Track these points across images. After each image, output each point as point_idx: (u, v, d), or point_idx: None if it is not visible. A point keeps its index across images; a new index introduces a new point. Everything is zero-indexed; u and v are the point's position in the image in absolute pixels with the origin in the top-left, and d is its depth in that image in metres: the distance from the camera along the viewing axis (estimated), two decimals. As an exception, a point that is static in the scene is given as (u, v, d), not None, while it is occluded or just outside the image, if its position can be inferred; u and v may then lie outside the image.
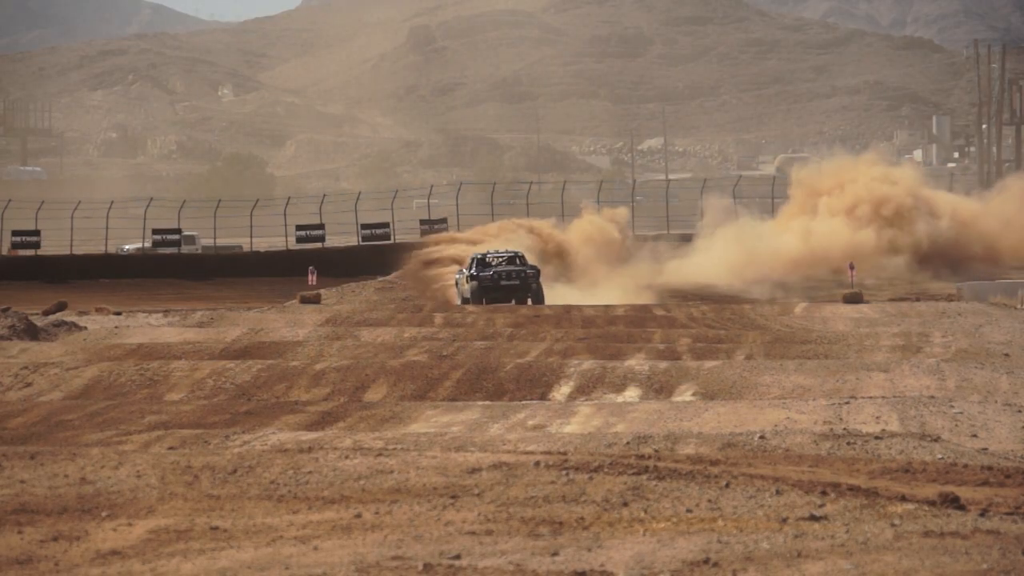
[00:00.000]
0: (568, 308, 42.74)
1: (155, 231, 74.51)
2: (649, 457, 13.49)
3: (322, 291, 54.09)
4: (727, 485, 11.64)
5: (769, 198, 78.07)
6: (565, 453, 13.76)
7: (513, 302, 47.76)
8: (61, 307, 46.72)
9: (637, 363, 26.04)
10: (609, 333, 34.45)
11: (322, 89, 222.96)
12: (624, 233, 67.19)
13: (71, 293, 57.02)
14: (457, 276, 51.65)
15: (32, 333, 36.17)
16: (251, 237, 75.66)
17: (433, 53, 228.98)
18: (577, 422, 19.88)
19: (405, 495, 11.53)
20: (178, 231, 74.69)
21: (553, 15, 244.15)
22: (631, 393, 23.56)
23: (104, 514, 11.06)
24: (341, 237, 79.46)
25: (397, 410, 21.29)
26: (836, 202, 66.80)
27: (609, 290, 54.81)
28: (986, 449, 17.28)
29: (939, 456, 15.47)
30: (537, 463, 12.37)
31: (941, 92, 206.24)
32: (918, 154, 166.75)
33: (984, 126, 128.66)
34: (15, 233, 72.94)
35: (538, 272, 49.57)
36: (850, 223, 65.24)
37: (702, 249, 65.41)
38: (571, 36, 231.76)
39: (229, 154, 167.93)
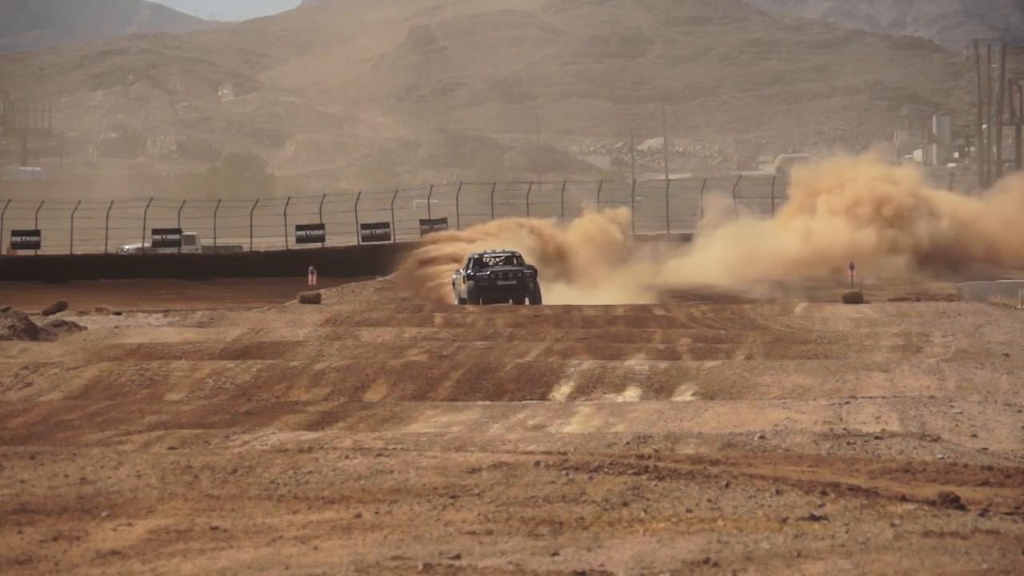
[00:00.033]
0: (568, 308, 42.73)
1: (155, 231, 74.50)
2: (649, 457, 13.49)
3: (322, 291, 54.09)
4: (727, 485, 11.64)
5: (769, 198, 78.07)
6: (565, 453, 13.76)
7: (511, 302, 47.70)
8: (61, 307, 46.72)
9: (637, 363, 26.04)
10: (609, 333, 34.45)
11: (322, 89, 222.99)
12: (625, 233, 67.22)
13: (71, 293, 57.01)
14: (454, 276, 51.57)
15: (32, 333, 36.17)
16: (251, 237, 75.66)
17: (433, 53, 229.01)
18: (577, 422, 19.88)
19: (405, 495, 11.53)
20: (178, 231, 74.69)
21: (553, 15, 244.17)
22: (631, 393, 23.56)
23: (104, 514, 11.06)
24: (341, 237, 79.46)
25: (397, 410, 21.29)
26: (836, 201, 66.79)
27: (609, 290, 54.80)
28: (986, 449, 17.28)
29: (939, 456, 15.47)
30: (537, 463, 12.38)
31: (941, 92, 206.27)
32: (918, 154, 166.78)
33: (984, 126, 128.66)
34: (15, 233, 72.93)
35: (535, 272, 49.48)
36: (850, 223, 65.25)
37: (702, 249, 65.43)
38: (571, 36, 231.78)
39: (229, 154, 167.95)
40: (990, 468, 13.59)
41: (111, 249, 75.88)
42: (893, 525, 10.28)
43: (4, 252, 73.09)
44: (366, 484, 11.96)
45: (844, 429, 17.88)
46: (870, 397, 21.47)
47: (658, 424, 19.34)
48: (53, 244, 73.42)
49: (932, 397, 21.32)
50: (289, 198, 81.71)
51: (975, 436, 18.52)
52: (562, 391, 23.96)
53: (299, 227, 73.12)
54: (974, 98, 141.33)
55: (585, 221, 66.46)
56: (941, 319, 37.33)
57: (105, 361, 28.36)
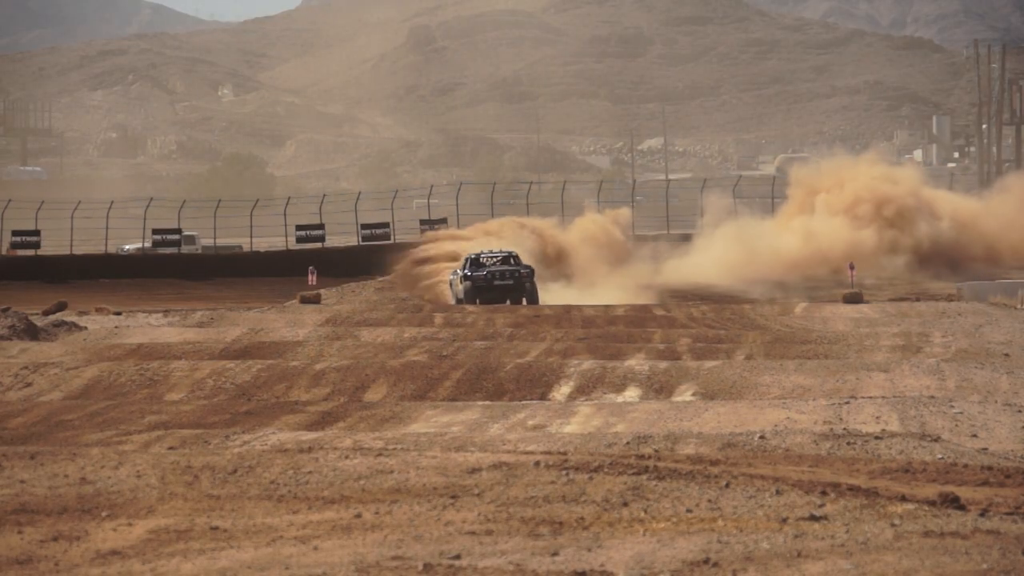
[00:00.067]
0: (568, 308, 42.73)
1: (155, 231, 74.50)
2: (649, 457, 13.49)
3: (322, 291, 54.09)
4: (727, 485, 11.64)
5: (769, 198, 78.06)
6: (565, 453, 13.76)
7: (508, 302, 47.61)
8: (61, 307, 46.72)
9: (637, 363, 26.04)
10: (609, 333, 34.45)
11: (322, 89, 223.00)
12: (625, 233, 67.23)
13: (71, 293, 57.01)
14: (451, 276, 51.51)
15: (32, 333, 36.17)
16: (251, 237, 75.65)
17: (433, 53, 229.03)
18: (577, 422, 19.88)
19: (405, 495, 11.53)
20: (178, 231, 74.69)
21: (553, 15, 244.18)
22: (631, 393, 23.56)
23: (104, 514, 11.06)
24: (341, 237, 79.46)
25: (397, 410, 21.29)
26: (835, 200, 66.78)
27: (609, 290, 54.78)
28: (986, 449, 17.28)
29: (939, 456, 15.47)
30: (537, 463, 12.38)
31: (941, 92, 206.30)
32: (918, 154, 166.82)
33: (984, 126, 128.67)
34: (15, 233, 72.93)
35: (532, 272, 49.39)
36: (851, 223, 65.24)
37: (702, 248, 65.44)
38: (571, 36, 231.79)
39: (229, 154, 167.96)
40: (990, 468, 13.59)
41: (111, 249, 75.87)
42: (893, 525, 10.28)
43: (4, 252, 73.10)
44: (366, 484, 11.96)
45: (844, 429, 17.88)
46: (870, 397, 21.47)
47: (658, 424, 19.34)
48: (53, 244, 73.41)
49: (932, 397, 21.32)
50: (289, 198, 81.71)
51: (975, 436, 18.52)
52: (562, 391, 23.96)
53: (299, 227, 73.12)
54: (974, 98, 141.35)
55: (586, 221, 66.46)
56: (941, 319, 37.33)
57: (105, 361, 28.36)
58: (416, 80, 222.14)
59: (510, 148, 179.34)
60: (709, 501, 11.21)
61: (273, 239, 76.73)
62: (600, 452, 14.79)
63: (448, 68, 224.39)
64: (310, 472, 12.36)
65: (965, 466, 13.73)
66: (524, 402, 22.64)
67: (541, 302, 48.09)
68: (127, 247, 77.76)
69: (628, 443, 16.91)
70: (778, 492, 11.43)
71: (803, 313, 40.90)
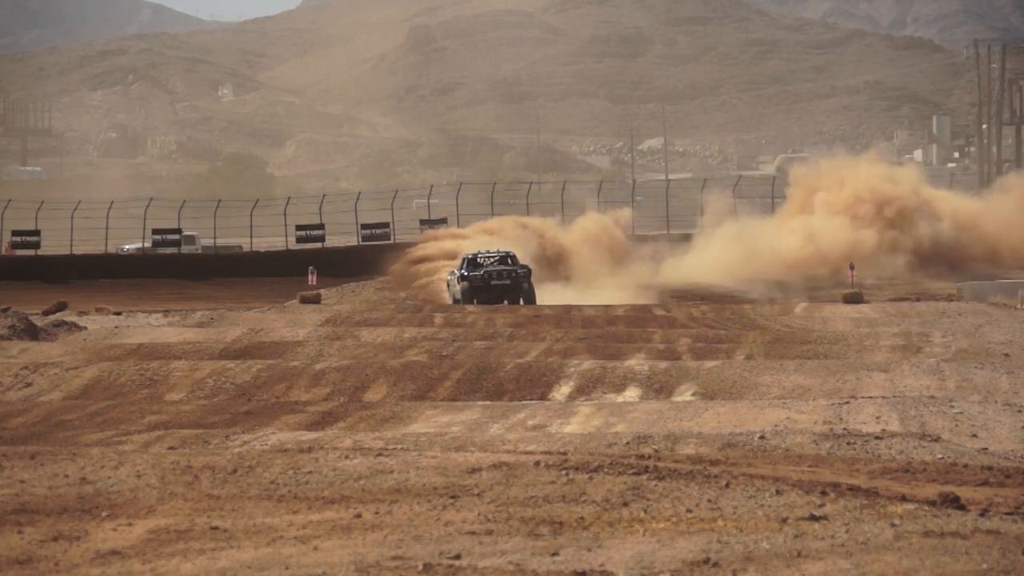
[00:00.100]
0: (568, 308, 42.73)
1: (155, 231, 74.49)
2: (649, 457, 13.49)
3: (322, 291, 54.09)
4: (727, 485, 11.64)
5: (769, 198, 78.05)
6: (565, 453, 13.76)
7: (505, 302, 47.53)
8: (61, 307, 46.71)
9: (637, 363, 26.04)
10: (609, 333, 34.45)
11: (322, 89, 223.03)
12: (626, 234, 67.24)
13: (71, 293, 57.01)
14: (449, 277, 51.47)
15: (32, 333, 36.17)
16: (251, 237, 75.65)
17: (433, 53, 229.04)
18: (577, 422, 19.88)
19: (405, 495, 11.53)
20: (178, 231, 74.68)
21: (553, 15, 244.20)
22: (631, 393, 23.56)
23: (104, 514, 11.06)
24: (341, 237, 79.45)
25: (397, 410, 21.29)
26: (835, 199, 66.75)
27: (608, 290, 54.77)
28: (986, 449, 17.28)
29: (939, 456, 15.47)
30: (537, 463, 12.38)
31: (941, 92, 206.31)
32: (918, 154, 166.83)
33: (984, 126, 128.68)
34: (15, 233, 72.92)
35: (529, 272, 49.32)
36: (851, 223, 65.23)
37: (701, 248, 65.44)
38: (571, 36, 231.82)
39: (229, 154, 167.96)
40: (990, 468, 13.59)
41: (111, 249, 75.86)
42: (893, 525, 10.28)
43: (3, 252, 73.11)
44: (366, 484, 11.96)
45: (844, 429, 17.88)
46: (870, 397, 21.47)
47: (658, 424, 19.34)
48: (53, 244, 73.41)
49: (932, 397, 21.32)
50: (289, 198, 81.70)
51: (975, 436, 18.52)
52: (562, 391, 23.95)
53: (299, 227, 73.11)
54: (974, 98, 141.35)
55: (588, 220, 66.44)
56: (941, 319, 37.33)
57: (105, 361, 28.36)
58: (416, 80, 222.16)
59: (510, 148, 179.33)
60: (709, 501, 11.21)
61: (273, 239, 76.72)
62: (600, 452, 14.79)
63: (448, 68, 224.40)
64: (310, 472, 12.36)
65: (965, 466, 13.74)
66: (524, 402, 22.64)
67: (541, 302, 48.03)
68: (127, 247, 77.75)
69: (628, 443, 16.91)
70: (778, 492, 11.43)
71: (803, 313, 40.90)
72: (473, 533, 10.22)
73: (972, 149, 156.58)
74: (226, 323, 39.41)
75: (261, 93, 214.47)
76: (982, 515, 10.80)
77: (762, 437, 16.76)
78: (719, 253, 62.96)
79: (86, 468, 12.53)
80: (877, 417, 19.43)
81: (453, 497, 11.38)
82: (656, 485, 11.61)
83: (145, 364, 27.05)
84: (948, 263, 64.52)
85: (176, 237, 74.13)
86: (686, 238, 68.72)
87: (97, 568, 9.58)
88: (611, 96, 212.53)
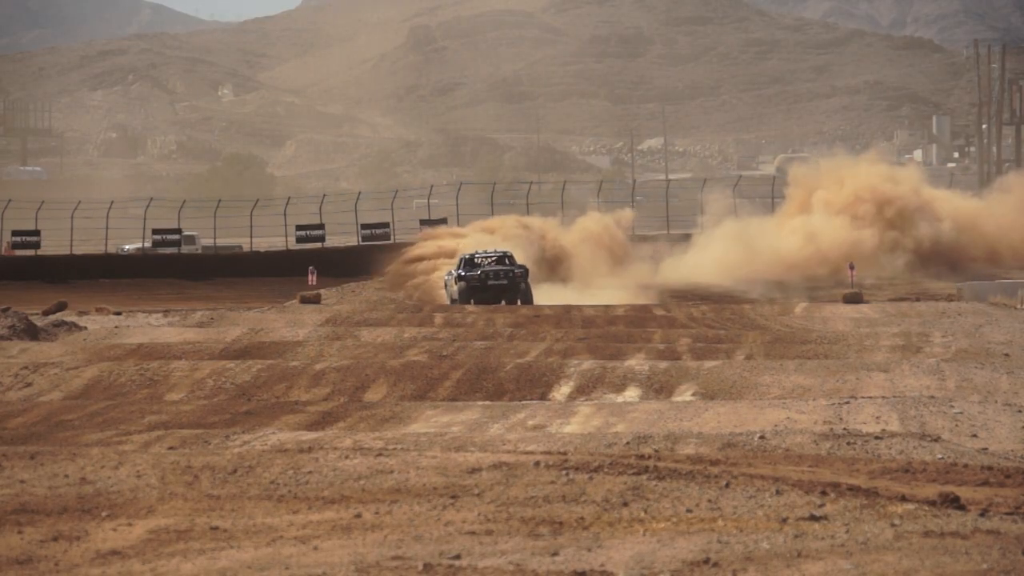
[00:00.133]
0: (568, 308, 42.73)
1: (155, 231, 74.49)
2: (649, 457, 13.49)
3: (322, 291, 54.09)
4: (727, 485, 11.64)
5: (769, 198, 78.05)
6: (565, 453, 13.76)
7: (503, 302, 47.47)
8: (61, 307, 46.72)
9: (637, 363, 26.04)
10: (609, 333, 34.45)
11: (322, 89, 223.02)
12: (626, 234, 67.24)
13: (71, 293, 57.01)
14: (446, 277, 51.45)
15: (32, 333, 36.17)
16: (251, 237, 75.65)
17: (433, 53, 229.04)
18: (577, 422, 19.88)
19: (405, 495, 11.53)
20: (178, 231, 74.69)
21: (553, 15, 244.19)
22: (631, 393, 23.56)
23: (104, 514, 11.06)
24: (341, 237, 79.45)
25: (397, 410, 21.29)
26: (834, 198, 66.74)
27: (608, 290, 54.77)
28: (986, 449, 17.28)
29: (939, 456, 15.47)
30: (537, 463, 12.38)
31: (941, 92, 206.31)
32: (918, 154, 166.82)
33: (984, 126, 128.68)
34: (15, 233, 72.93)
35: (526, 272, 49.29)
36: (851, 223, 65.23)
37: (701, 247, 65.44)
38: (571, 36, 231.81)
39: (229, 154, 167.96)
40: (990, 468, 13.60)
41: (111, 249, 75.86)
42: (893, 525, 10.28)
43: (3, 252, 73.11)
44: (366, 484, 11.96)
45: (844, 429, 17.88)
46: (870, 397, 21.47)
47: (658, 424, 19.34)
48: (53, 244, 73.41)
49: (932, 397, 21.32)
50: (289, 198, 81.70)
51: (975, 436, 18.52)
52: (562, 391, 23.95)
53: (299, 227, 73.12)
54: (974, 98, 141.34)
55: (589, 220, 66.42)
56: (941, 319, 37.33)
57: (105, 361, 28.37)
58: (416, 80, 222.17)
59: (510, 148, 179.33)
60: (709, 501, 11.21)
61: (273, 239, 76.73)
62: (600, 452, 14.79)
63: (448, 68, 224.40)
64: (310, 472, 12.36)
65: (965, 466, 13.74)
66: (524, 402, 22.64)
67: (541, 302, 48.02)
68: (127, 247, 77.75)
69: (628, 443, 16.91)
70: (778, 492, 11.43)
71: (803, 313, 40.90)
72: (473, 533, 10.22)
73: (972, 149, 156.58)
74: (226, 323, 39.41)
75: (261, 93, 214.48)
76: (982, 515, 10.80)
77: (762, 437, 16.76)
78: (719, 253, 62.96)
79: (86, 468, 12.53)
80: (877, 417, 19.44)
81: (453, 497, 11.38)
82: (656, 485, 11.61)
83: (145, 364, 27.05)
84: (948, 263, 64.53)
85: (176, 237, 74.13)
86: (686, 238, 68.73)
87: (97, 568, 9.58)
88: (611, 96, 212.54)
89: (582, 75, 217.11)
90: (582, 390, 23.88)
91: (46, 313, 44.26)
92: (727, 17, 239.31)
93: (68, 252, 71.97)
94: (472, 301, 47.32)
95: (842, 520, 10.53)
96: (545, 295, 51.00)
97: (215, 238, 77.28)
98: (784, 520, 10.57)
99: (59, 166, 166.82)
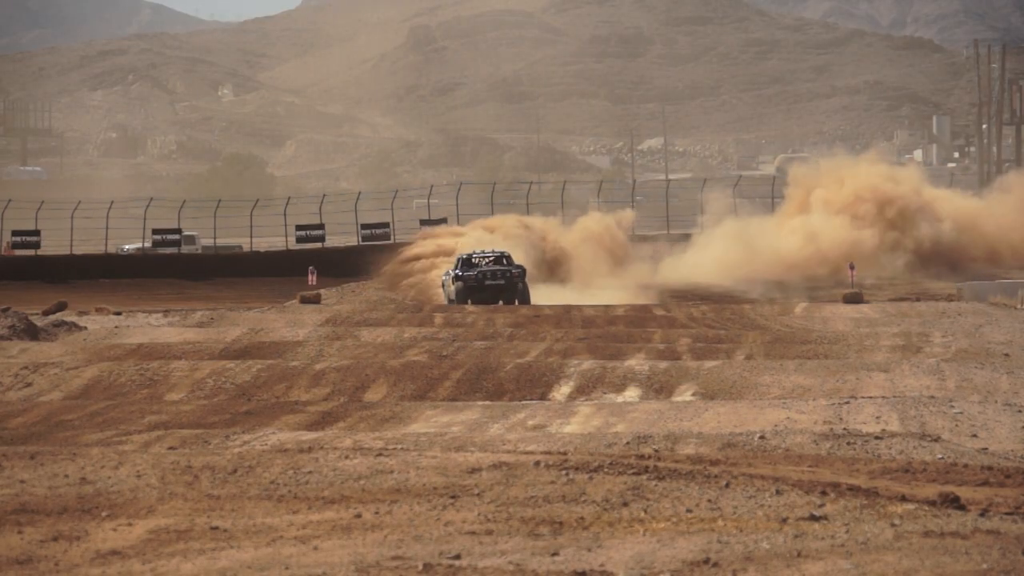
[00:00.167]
0: (568, 308, 42.73)
1: (155, 231, 74.50)
2: (649, 457, 13.49)
3: (322, 291, 54.09)
4: (727, 485, 11.64)
5: (769, 198, 78.04)
6: (565, 453, 13.76)
7: (500, 303, 47.40)
8: (61, 307, 46.72)
9: (637, 363, 26.04)
10: (609, 333, 34.45)
11: (322, 89, 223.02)
12: (627, 234, 67.24)
13: (71, 293, 57.01)
14: (444, 277, 51.41)
15: (32, 333, 36.17)
16: (251, 237, 75.66)
17: (433, 53, 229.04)
18: (577, 422, 19.88)
19: (405, 495, 11.53)
20: (178, 231, 74.69)
21: (553, 15, 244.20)
22: (631, 393, 23.56)
23: (104, 514, 11.06)
24: (341, 237, 79.44)
25: (397, 410, 21.29)
26: (834, 197, 66.72)
27: (608, 290, 54.76)
28: (986, 449, 17.28)
29: (939, 456, 15.47)
30: (537, 463, 12.38)
31: (941, 92, 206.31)
32: (918, 154, 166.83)
33: (984, 126, 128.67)
34: (15, 233, 72.94)
35: (524, 272, 49.23)
36: (852, 223, 65.23)
37: (701, 246, 65.44)
38: (571, 36, 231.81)
39: (229, 154, 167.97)
40: (990, 468, 13.59)
41: (111, 249, 75.87)
42: (893, 525, 10.28)
43: (3, 252, 73.12)
44: (366, 484, 11.96)
45: (844, 429, 17.88)
46: (870, 397, 21.47)
47: (658, 424, 19.34)
48: (53, 244, 73.41)
49: (932, 397, 21.32)
50: (289, 198, 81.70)
51: (975, 436, 18.52)
52: (562, 391, 23.95)
53: (299, 227, 73.12)
54: (974, 98, 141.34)
55: (590, 220, 66.41)
56: (941, 319, 37.33)
57: (105, 361, 28.37)
58: (416, 80, 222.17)
59: (510, 148, 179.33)
60: (709, 501, 11.21)
61: (273, 239, 76.73)
62: (600, 452, 14.80)
63: (448, 68, 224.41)
64: (310, 472, 12.36)
65: (965, 466, 13.74)
66: (524, 402, 22.64)
67: (541, 302, 48.00)
68: (127, 247, 77.75)
69: (628, 443, 16.91)
70: (778, 492, 11.43)
71: (803, 313, 40.90)
72: (473, 533, 10.22)
73: (972, 149, 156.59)
74: (226, 323, 39.41)
75: (261, 93, 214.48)
76: (982, 515, 10.80)
77: (762, 437, 16.76)
78: (719, 253, 62.97)
79: (86, 468, 12.53)
80: (877, 417, 19.44)
81: (453, 497, 11.38)
82: (656, 485, 11.61)
83: (145, 364, 27.05)
84: (948, 263, 64.53)
85: (176, 237, 74.14)
86: (686, 238, 68.72)
87: (97, 568, 9.58)
88: (611, 96, 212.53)
89: (582, 75, 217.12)
90: (582, 390, 23.88)
91: (46, 313, 44.26)
92: (727, 17, 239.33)
93: (68, 252, 71.97)
94: (469, 301, 47.28)
95: (842, 520, 10.53)
96: (545, 295, 50.99)
97: (215, 238, 77.28)
98: (784, 520, 10.57)
99: (59, 166, 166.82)
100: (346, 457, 12.93)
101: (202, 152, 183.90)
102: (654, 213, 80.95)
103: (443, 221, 74.01)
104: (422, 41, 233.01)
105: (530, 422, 20.00)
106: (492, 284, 48.29)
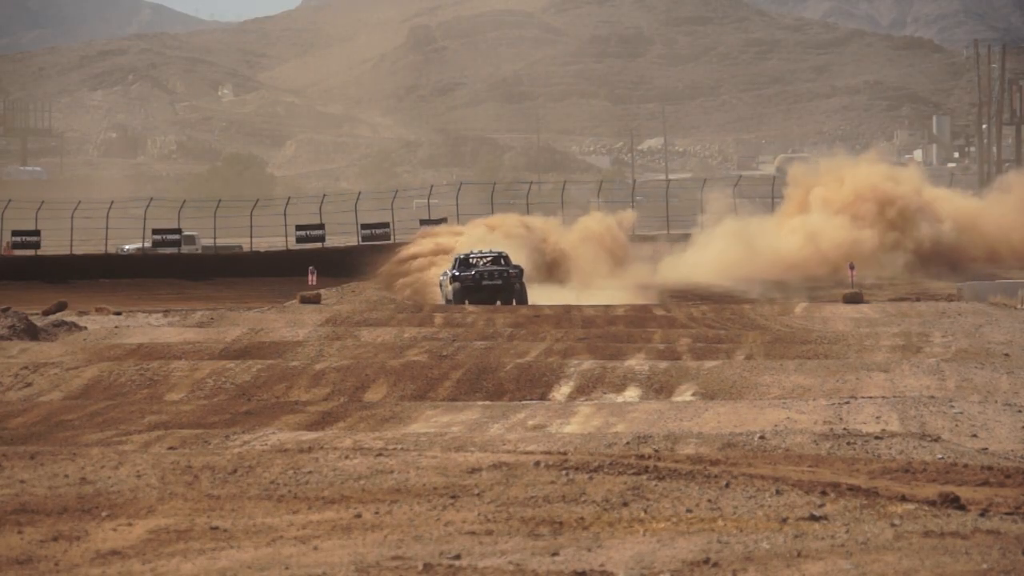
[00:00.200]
0: (568, 308, 42.72)
1: (155, 231, 74.50)
2: (649, 457, 13.49)
3: (322, 291, 54.08)
4: (727, 485, 11.64)
5: (769, 198, 78.04)
6: (565, 453, 13.76)
7: (498, 303, 47.34)
8: (61, 307, 46.72)
9: (637, 363, 26.04)
10: (609, 333, 34.44)
11: (322, 89, 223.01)
12: (627, 235, 67.23)
13: (71, 293, 57.01)
14: (441, 277, 51.35)
15: (32, 333, 36.17)
16: (251, 237, 75.66)
17: (433, 53, 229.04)
18: (577, 422, 19.88)
19: (405, 495, 11.53)
20: (178, 231, 74.69)
21: (553, 15, 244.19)
22: (631, 393, 23.55)
23: (104, 514, 11.06)
24: (341, 237, 79.44)
25: (397, 410, 21.29)
26: (834, 196, 66.70)
27: (608, 290, 54.75)
28: (986, 449, 17.28)
29: (939, 456, 15.47)
30: (537, 463, 12.38)
31: (941, 92, 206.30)
32: (918, 154, 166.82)
33: (984, 126, 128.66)
34: (15, 233, 72.94)
35: (521, 272, 49.14)
36: (852, 222, 65.22)
37: (701, 246, 65.43)
38: (571, 36, 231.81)
39: (229, 154, 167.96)
40: (990, 468, 13.59)
41: (111, 249, 75.86)
42: (893, 525, 10.28)
43: (3, 252, 73.11)
44: (366, 484, 11.96)
45: (844, 429, 17.88)
46: (870, 397, 21.47)
47: (658, 424, 19.34)
48: (53, 244, 73.41)
49: (932, 397, 21.32)
50: (289, 198, 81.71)
51: (975, 436, 18.52)
52: (562, 391, 23.95)
53: (299, 227, 73.13)
54: (974, 98, 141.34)
55: (592, 220, 66.38)
56: (941, 319, 37.33)
57: (105, 361, 28.37)
58: (416, 80, 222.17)
59: (510, 148, 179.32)
60: (709, 501, 11.21)
61: (273, 239, 76.73)
62: (600, 452, 14.79)
63: (448, 68, 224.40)
64: (310, 472, 12.36)
65: (965, 466, 13.74)
66: (524, 402, 22.64)
67: (541, 302, 47.97)
68: (127, 247, 77.75)
69: (628, 443, 16.91)
70: (778, 492, 11.43)
71: (803, 313, 40.90)
72: (473, 533, 10.22)
73: (972, 149, 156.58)
74: (226, 323, 39.41)
75: (261, 93, 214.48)
76: (982, 515, 10.80)
77: (762, 437, 16.76)
78: (719, 253, 62.96)
79: (86, 468, 12.53)
80: (877, 417, 19.44)
81: (453, 497, 11.38)
82: (656, 485, 11.61)
83: (145, 364, 27.05)
84: (948, 263, 64.53)
85: (176, 237, 74.14)
86: (686, 238, 68.71)
87: (97, 568, 9.58)
88: (611, 96, 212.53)
89: (582, 75, 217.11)
90: (582, 390, 23.88)
91: (46, 313, 44.26)
92: (727, 17, 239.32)
93: (68, 252, 71.97)
94: (467, 302, 47.23)
95: (842, 520, 10.53)
96: (545, 296, 50.96)
97: (215, 238, 77.28)
98: (784, 520, 10.57)
99: (59, 166, 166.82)
100: (346, 457, 12.93)
101: (202, 152, 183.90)
102: (654, 213, 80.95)
103: (443, 221, 74.02)
104: (422, 41, 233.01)
105: (530, 422, 20.00)
106: (489, 284, 48.21)
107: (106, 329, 38.16)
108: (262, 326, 37.09)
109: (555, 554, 9.62)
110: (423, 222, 73.87)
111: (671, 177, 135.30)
